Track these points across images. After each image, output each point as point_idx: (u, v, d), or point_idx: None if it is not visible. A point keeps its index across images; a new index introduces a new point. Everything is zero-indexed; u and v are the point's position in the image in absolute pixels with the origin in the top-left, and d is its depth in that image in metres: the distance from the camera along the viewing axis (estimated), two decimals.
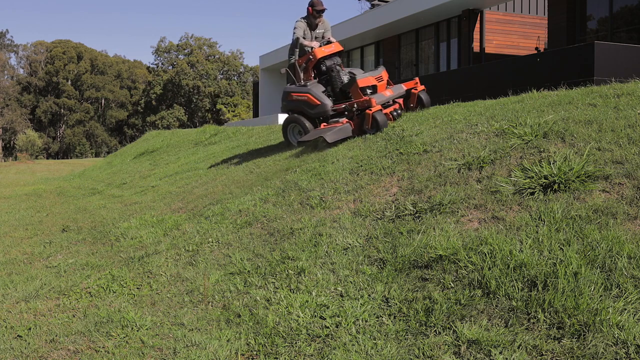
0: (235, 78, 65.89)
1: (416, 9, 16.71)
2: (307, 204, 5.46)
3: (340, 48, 8.26)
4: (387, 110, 7.59)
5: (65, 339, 3.55)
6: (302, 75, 8.19)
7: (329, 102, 7.75)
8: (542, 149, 4.86)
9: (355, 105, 7.42)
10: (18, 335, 3.70)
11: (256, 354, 3.01)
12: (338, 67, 8.13)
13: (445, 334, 3.01)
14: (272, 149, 9.33)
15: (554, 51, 12.54)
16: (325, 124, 7.75)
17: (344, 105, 7.60)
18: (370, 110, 7.05)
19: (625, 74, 9.39)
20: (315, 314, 3.45)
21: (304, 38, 8.38)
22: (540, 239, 3.58)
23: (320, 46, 8.27)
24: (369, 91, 7.70)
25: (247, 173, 7.83)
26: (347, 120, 7.39)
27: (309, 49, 8.25)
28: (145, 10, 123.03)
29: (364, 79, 7.71)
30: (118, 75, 68.34)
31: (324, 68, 8.17)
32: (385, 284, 3.63)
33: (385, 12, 18.32)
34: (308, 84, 8.00)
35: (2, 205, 11.17)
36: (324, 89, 7.99)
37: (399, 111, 7.77)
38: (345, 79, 8.04)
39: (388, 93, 7.77)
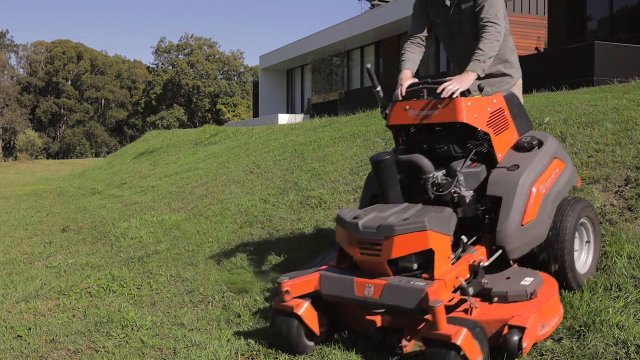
0: (235, 78, 65.87)
1: None
2: (307, 204, 5.47)
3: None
4: None
5: (65, 339, 3.55)
6: None
7: None
8: None
9: None
10: (18, 335, 3.70)
11: (256, 354, 3.01)
12: None
13: None
14: (272, 148, 9.33)
15: (553, 51, 12.55)
16: None
17: None
18: None
19: (626, 74, 9.39)
20: None
21: (416, 34, 3.46)
22: None
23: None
24: None
25: (247, 173, 7.82)
26: None
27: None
28: (145, 10, 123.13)
29: None
30: (118, 75, 68.31)
31: None
32: None
33: (385, 12, 18.33)
34: None
35: (2, 205, 11.17)
36: None
37: None
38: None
39: None
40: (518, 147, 3.01)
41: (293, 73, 27.05)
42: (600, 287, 3.02)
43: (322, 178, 6.08)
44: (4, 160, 50.22)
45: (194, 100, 63.92)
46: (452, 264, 2.64)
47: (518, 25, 17.80)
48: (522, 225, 2.76)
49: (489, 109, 2.95)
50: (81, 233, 6.97)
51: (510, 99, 3.14)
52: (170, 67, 63.87)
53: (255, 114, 29.34)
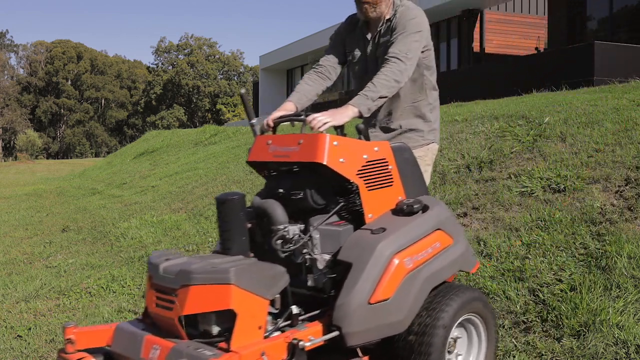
0: (235, 78, 65.88)
1: None
2: None
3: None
4: None
5: None
6: None
7: None
8: (542, 150, 4.86)
9: None
10: (18, 335, 3.70)
11: None
12: None
13: None
14: None
15: (554, 51, 12.55)
16: None
17: None
18: None
19: (625, 74, 9.38)
20: None
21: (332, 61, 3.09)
22: (540, 240, 3.58)
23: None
24: None
25: (247, 173, 7.82)
26: None
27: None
28: (145, 10, 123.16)
29: None
30: (118, 75, 68.30)
31: None
32: None
33: None
34: None
35: (2, 206, 11.16)
36: None
37: None
38: None
39: None
40: (396, 210, 2.39)
41: (293, 73, 27.05)
42: (600, 287, 3.01)
43: None
44: (4, 160, 50.22)
45: (194, 100, 63.91)
46: (266, 336, 2.07)
47: (518, 25, 17.81)
48: (369, 303, 2.13)
49: (364, 156, 2.34)
50: (81, 233, 6.97)
51: (401, 151, 2.51)
52: (170, 67, 63.86)
53: (256, 114, 29.29)
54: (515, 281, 3.26)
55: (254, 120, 2.67)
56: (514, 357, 2.70)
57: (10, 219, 8.99)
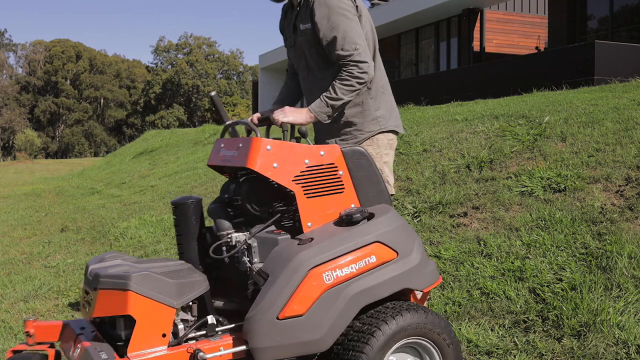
0: (235, 77, 65.91)
1: (416, 8, 16.72)
2: None
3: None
4: None
5: None
6: None
7: None
8: (542, 149, 4.85)
9: None
10: (17, 336, 3.69)
11: None
12: None
13: None
14: None
15: (554, 50, 12.54)
16: None
17: None
18: None
19: (626, 73, 9.38)
20: None
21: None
22: (540, 240, 3.57)
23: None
24: None
25: None
26: None
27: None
28: (145, 10, 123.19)
29: None
30: (117, 74, 68.26)
31: None
32: None
33: (385, 11, 18.31)
34: None
35: (1, 205, 11.15)
36: None
37: None
38: None
39: None
40: (338, 220, 2.26)
41: None
42: (600, 287, 3.01)
43: None
44: (3, 160, 50.20)
45: (194, 100, 63.89)
46: (172, 344, 2.05)
47: (518, 24, 17.80)
48: (278, 318, 2.01)
49: (305, 161, 2.21)
50: (80, 233, 6.96)
51: (355, 155, 2.31)
52: (170, 67, 63.85)
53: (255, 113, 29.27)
54: (516, 281, 3.25)
55: (229, 122, 2.56)
56: (514, 356, 2.70)
57: (9, 219, 8.97)
